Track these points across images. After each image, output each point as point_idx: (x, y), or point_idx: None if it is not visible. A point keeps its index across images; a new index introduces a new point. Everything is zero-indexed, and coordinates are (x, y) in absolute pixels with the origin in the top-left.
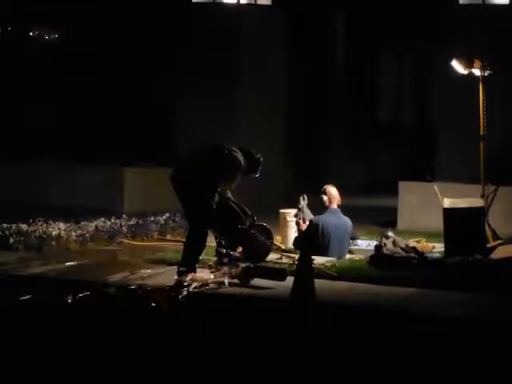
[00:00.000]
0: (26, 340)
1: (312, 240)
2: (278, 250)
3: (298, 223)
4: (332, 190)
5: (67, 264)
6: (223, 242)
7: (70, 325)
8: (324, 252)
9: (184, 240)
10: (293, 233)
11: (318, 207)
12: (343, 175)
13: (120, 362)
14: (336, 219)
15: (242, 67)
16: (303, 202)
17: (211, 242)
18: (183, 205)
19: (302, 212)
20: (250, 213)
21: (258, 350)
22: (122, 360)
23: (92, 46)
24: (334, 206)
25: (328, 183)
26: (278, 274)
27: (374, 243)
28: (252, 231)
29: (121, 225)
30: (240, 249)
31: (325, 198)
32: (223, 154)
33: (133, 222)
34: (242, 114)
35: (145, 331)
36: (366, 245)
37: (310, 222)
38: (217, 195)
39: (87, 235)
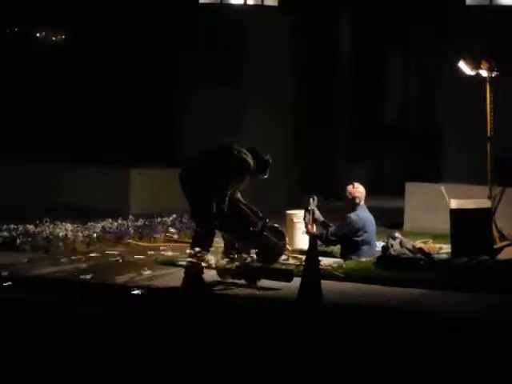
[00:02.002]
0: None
1: (350, 236)
2: (285, 251)
3: (306, 225)
4: (361, 189)
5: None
6: (236, 245)
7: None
8: (358, 249)
9: (190, 241)
10: (299, 234)
11: (328, 208)
12: (349, 176)
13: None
14: (368, 215)
15: (248, 67)
16: (313, 204)
17: (218, 243)
18: (190, 205)
19: (313, 213)
20: (261, 215)
21: (263, 351)
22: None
23: (97, 46)
24: (363, 202)
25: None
26: (284, 275)
27: (380, 244)
28: (264, 233)
29: (128, 226)
30: (253, 251)
31: (357, 195)
32: (232, 155)
33: (140, 222)
34: (248, 115)
35: (146, 335)
36: None
37: (349, 218)
38: (227, 198)
39: (94, 236)
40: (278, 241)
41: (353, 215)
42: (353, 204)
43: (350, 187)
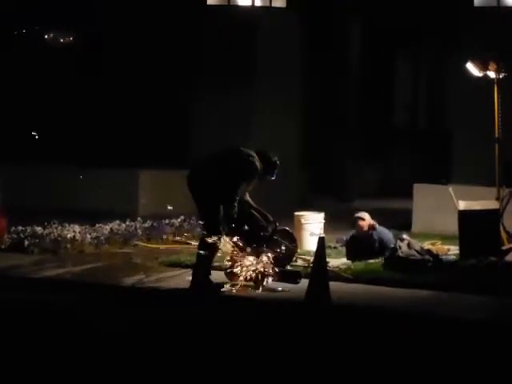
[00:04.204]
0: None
1: None
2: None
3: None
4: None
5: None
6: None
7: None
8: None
9: (198, 243)
10: (307, 235)
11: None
12: (358, 177)
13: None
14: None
15: (256, 69)
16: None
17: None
18: (198, 207)
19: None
20: (271, 218)
21: (270, 350)
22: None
23: (106, 48)
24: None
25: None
26: (292, 276)
27: None
28: (275, 237)
29: (136, 227)
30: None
31: (372, 223)
32: (240, 158)
33: (148, 224)
34: (257, 116)
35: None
36: None
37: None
38: (236, 202)
39: (102, 238)
40: (289, 243)
41: (378, 227)
42: (372, 231)
43: (362, 222)
